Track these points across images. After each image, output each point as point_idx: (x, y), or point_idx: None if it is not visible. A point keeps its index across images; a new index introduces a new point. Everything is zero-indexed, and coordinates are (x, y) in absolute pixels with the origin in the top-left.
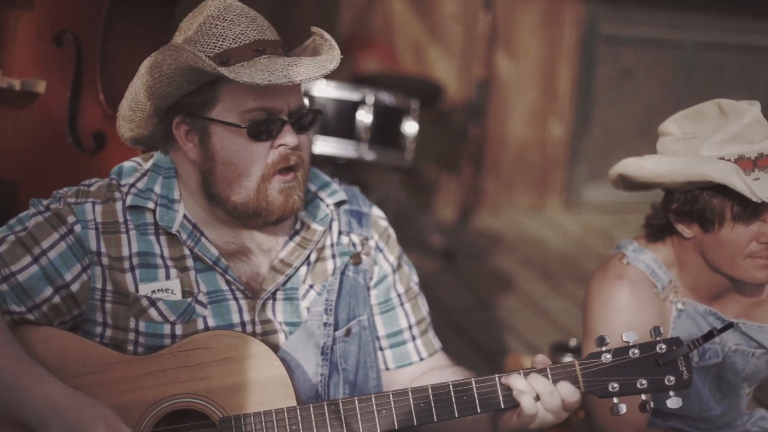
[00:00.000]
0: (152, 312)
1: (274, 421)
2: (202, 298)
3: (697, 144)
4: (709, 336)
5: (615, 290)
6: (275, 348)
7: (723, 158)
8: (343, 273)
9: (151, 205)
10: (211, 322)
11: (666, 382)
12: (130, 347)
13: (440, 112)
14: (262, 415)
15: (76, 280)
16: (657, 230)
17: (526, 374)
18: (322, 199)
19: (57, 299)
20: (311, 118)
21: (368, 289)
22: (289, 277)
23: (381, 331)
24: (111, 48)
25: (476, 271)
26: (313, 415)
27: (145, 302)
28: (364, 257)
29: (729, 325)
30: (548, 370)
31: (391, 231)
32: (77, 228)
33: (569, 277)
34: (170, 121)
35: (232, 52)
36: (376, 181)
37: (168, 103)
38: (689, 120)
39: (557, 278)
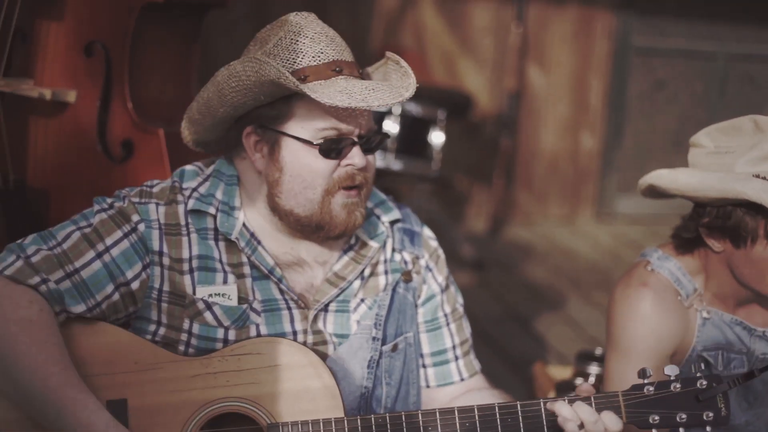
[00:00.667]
0: (207, 315)
1: (321, 430)
2: (256, 305)
3: (731, 159)
4: (750, 375)
5: (638, 297)
6: (324, 358)
7: (758, 175)
8: (394, 289)
9: (212, 210)
10: (263, 330)
11: (704, 417)
12: (181, 347)
13: (472, 124)
14: (310, 425)
15: (136, 278)
16: (686, 242)
17: (570, 401)
18: (378, 217)
19: (116, 296)
20: (379, 140)
21: (416, 306)
22: (343, 290)
23: (425, 349)
24: (139, 57)
25: (507, 282)
26: (360, 428)
27: (201, 305)
28: (414, 275)
29: None
30: (592, 398)
31: (441, 252)
32: (141, 227)
33: (600, 288)
34: (240, 130)
35: (311, 70)
36: (407, 192)
37: (240, 112)
38: (723, 133)
39: (587, 289)
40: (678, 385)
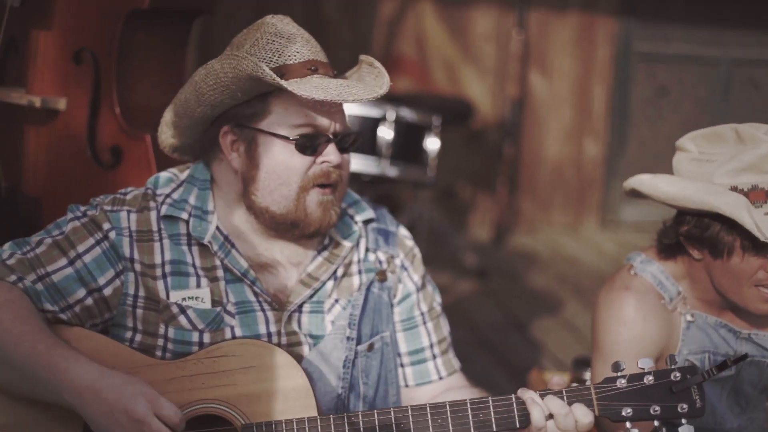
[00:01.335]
0: (182, 319)
1: (295, 430)
2: (230, 308)
3: (711, 168)
4: (723, 366)
5: (621, 301)
6: (299, 359)
7: (736, 187)
8: (368, 289)
9: (184, 215)
10: (238, 332)
11: (679, 409)
12: (159, 353)
13: (474, 131)
14: (284, 424)
15: (108, 284)
16: (668, 248)
17: (542, 395)
18: (351, 216)
19: (89, 301)
20: (353, 140)
21: (392, 306)
22: (316, 291)
23: (403, 348)
24: (127, 63)
25: (509, 290)
26: (333, 426)
27: (175, 309)
28: (389, 275)
29: (743, 357)
30: (564, 391)
31: (417, 251)
32: (112, 234)
33: None
34: (217, 130)
35: (287, 68)
36: (409, 200)
37: (217, 111)
38: (706, 140)
39: (590, 296)
40: (651, 378)
